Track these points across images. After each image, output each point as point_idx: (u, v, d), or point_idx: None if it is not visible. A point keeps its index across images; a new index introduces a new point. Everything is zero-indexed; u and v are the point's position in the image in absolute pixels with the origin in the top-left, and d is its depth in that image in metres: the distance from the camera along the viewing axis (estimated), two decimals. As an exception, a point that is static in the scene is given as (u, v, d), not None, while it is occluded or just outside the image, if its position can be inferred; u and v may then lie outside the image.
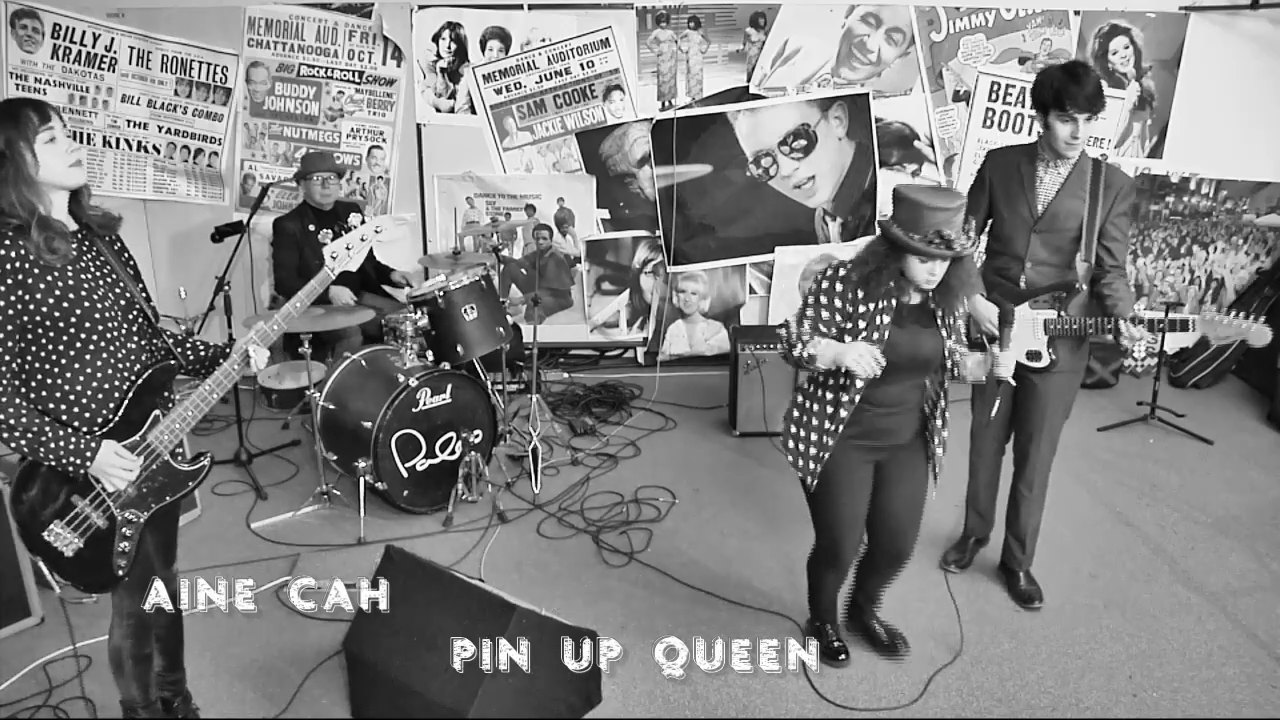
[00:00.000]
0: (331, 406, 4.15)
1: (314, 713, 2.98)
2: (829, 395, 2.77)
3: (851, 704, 3.01)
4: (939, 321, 2.73)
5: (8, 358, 2.19)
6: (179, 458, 2.49)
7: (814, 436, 2.81)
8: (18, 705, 2.97)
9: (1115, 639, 3.32)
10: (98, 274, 2.31)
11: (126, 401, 2.33)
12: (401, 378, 4.02)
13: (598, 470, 4.58)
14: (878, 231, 2.67)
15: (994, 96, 5.56)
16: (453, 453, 4.16)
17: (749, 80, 5.56)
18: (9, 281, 2.15)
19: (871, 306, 2.66)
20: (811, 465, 2.84)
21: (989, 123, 5.60)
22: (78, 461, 2.22)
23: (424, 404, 4.03)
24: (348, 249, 2.53)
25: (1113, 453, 4.78)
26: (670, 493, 4.35)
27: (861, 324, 2.67)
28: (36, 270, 2.18)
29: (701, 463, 4.69)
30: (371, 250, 5.02)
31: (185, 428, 2.41)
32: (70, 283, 2.23)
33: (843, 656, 3.18)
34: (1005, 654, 3.24)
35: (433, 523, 4.08)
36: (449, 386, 4.10)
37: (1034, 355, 3.19)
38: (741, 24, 5.47)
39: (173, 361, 2.45)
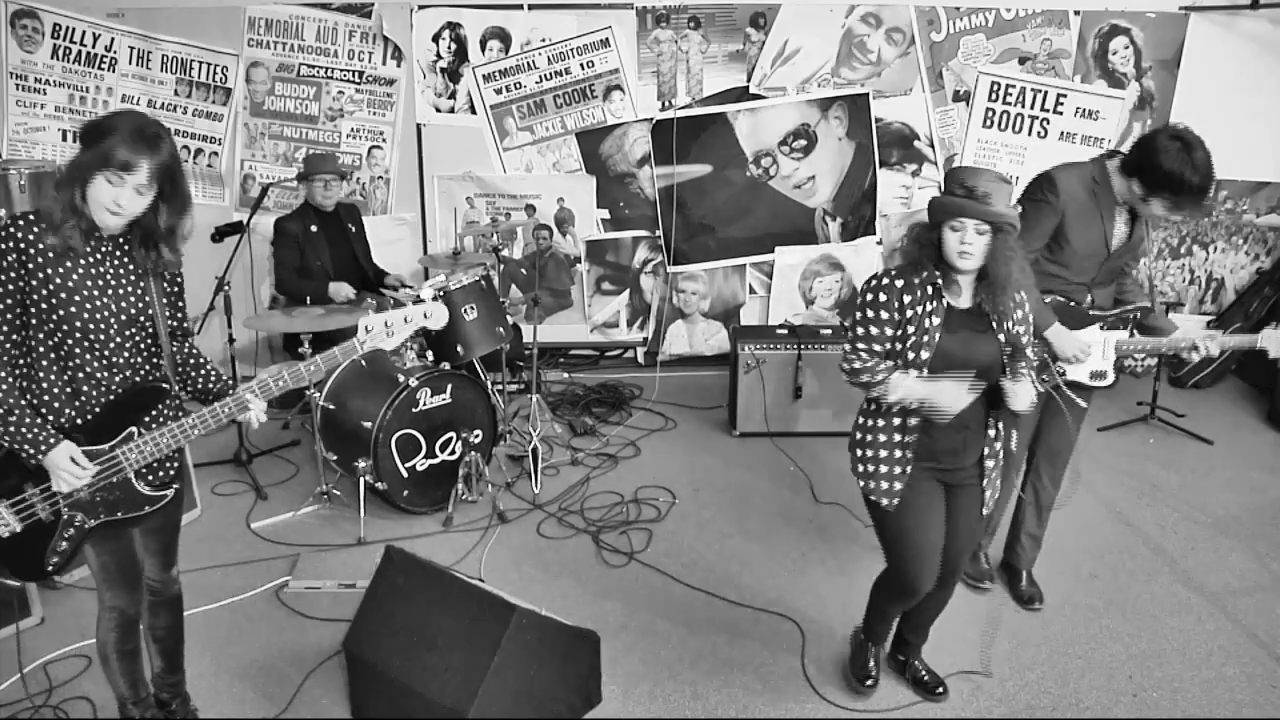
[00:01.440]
0: (331, 406, 4.15)
1: (314, 713, 2.98)
2: (895, 408, 2.62)
3: (851, 704, 3.00)
4: (993, 325, 2.60)
5: (5, 328, 2.21)
6: (169, 468, 2.48)
7: (884, 453, 2.65)
8: (18, 705, 2.97)
9: (1115, 639, 3.32)
10: (113, 280, 2.30)
11: (100, 410, 2.31)
12: (401, 378, 4.03)
13: (598, 470, 4.58)
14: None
15: (994, 96, 5.56)
16: (453, 453, 4.16)
17: (749, 80, 5.57)
18: (10, 259, 2.17)
19: (920, 310, 2.54)
20: (885, 485, 2.66)
21: (989, 123, 5.60)
22: (31, 450, 2.22)
23: (424, 404, 4.03)
24: (387, 326, 2.41)
25: (1113, 453, 4.78)
26: (670, 493, 4.35)
27: (910, 329, 2.55)
28: (39, 259, 2.19)
29: (701, 463, 4.69)
30: (369, 251, 5.03)
31: (158, 453, 2.36)
32: (71, 282, 2.23)
33: (870, 683, 3.03)
34: (1005, 654, 3.24)
35: (433, 523, 4.08)
36: (449, 386, 4.10)
37: (1099, 375, 3.20)
38: (741, 24, 5.48)
39: (165, 385, 2.41)
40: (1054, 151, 5.56)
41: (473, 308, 4.43)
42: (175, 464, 2.51)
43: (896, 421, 2.63)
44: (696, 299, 5.91)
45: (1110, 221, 3.14)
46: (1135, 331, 3.27)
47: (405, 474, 4.04)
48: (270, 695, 3.04)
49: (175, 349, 2.49)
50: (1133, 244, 3.21)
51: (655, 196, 5.69)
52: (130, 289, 2.33)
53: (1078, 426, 3.38)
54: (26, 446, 2.22)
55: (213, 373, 2.54)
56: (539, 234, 5.78)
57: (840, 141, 5.65)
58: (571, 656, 2.87)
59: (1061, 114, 5.57)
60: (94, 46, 5.44)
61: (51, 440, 2.23)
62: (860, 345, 2.61)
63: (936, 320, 2.54)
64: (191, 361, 2.51)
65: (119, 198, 2.17)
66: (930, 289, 2.56)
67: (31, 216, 2.21)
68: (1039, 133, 5.60)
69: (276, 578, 3.67)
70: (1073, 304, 3.19)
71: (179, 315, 2.50)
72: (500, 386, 4.94)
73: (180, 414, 2.43)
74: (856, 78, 5.57)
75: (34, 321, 2.24)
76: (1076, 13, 5.46)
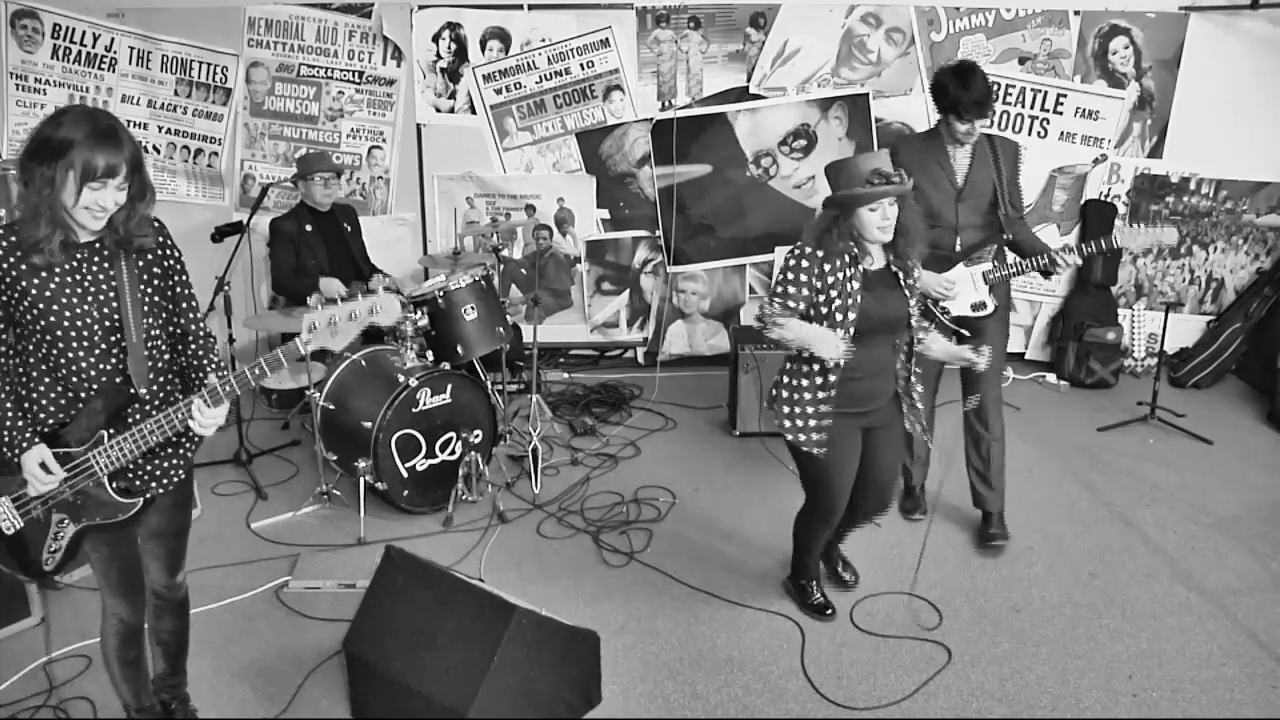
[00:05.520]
0: (331, 406, 4.15)
1: (314, 713, 2.98)
2: (816, 366, 2.98)
3: (851, 703, 3.01)
4: (901, 283, 3.01)
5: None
6: (176, 470, 2.48)
7: (810, 409, 3.01)
8: (18, 705, 2.97)
9: (1115, 639, 3.32)
10: (92, 288, 2.26)
11: (76, 414, 2.29)
12: (401, 378, 4.03)
13: (598, 470, 4.58)
14: (820, 209, 2.99)
15: (994, 96, 5.56)
16: (453, 453, 4.16)
17: (749, 80, 5.57)
18: None
19: (840, 276, 2.89)
20: (815, 435, 3.02)
21: (989, 123, 5.59)
22: (8, 451, 2.23)
23: (424, 404, 4.03)
24: (331, 325, 2.20)
25: (1113, 453, 4.77)
26: (670, 493, 4.35)
27: (834, 293, 2.90)
28: (16, 271, 2.18)
29: (701, 463, 4.69)
30: (365, 247, 5.01)
31: (126, 459, 2.31)
32: (49, 292, 2.20)
33: (830, 611, 3.40)
34: (1005, 654, 3.24)
35: (433, 523, 4.08)
36: (449, 386, 4.10)
37: (979, 306, 3.67)
38: (741, 24, 5.47)
39: (130, 390, 2.33)
40: (1054, 151, 5.56)
41: (473, 308, 4.44)
42: (160, 469, 2.46)
43: (819, 380, 2.98)
44: (696, 299, 5.91)
45: (945, 161, 3.64)
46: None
47: (405, 474, 4.04)
48: (270, 695, 3.04)
49: (182, 349, 2.48)
50: (980, 181, 3.63)
51: (655, 196, 5.69)
52: (110, 295, 2.28)
53: (1000, 375, 3.84)
54: (6, 447, 2.22)
55: (207, 363, 2.48)
56: (539, 234, 5.78)
57: (840, 142, 5.64)
58: (571, 656, 2.87)
59: (1061, 114, 5.56)
60: (94, 47, 5.44)
61: (25, 444, 2.22)
62: (778, 301, 2.95)
63: (857, 284, 2.91)
64: (195, 363, 2.48)
65: (102, 201, 2.15)
66: (849, 258, 2.92)
67: (9, 234, 2.17)
68: (1039, 133, 5.60)
69: (276, 578, 3.67)
70: (940, 251, 3.60)
71: (192, 313, 2.46)
72: (500, 386, 4.94)
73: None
74: (856, 78, 5.57)
75: (23, 332, 2.24)
76: (1076, 13, 5.46)
